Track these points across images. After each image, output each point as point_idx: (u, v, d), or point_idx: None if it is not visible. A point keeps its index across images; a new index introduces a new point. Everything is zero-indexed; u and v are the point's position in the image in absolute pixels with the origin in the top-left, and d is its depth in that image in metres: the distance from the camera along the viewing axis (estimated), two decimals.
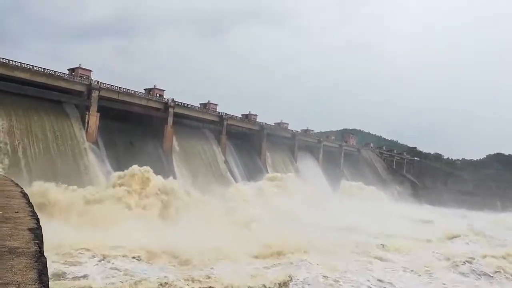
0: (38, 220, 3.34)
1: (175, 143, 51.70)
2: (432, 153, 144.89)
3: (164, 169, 44.61)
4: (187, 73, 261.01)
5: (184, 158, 52.36)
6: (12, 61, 38.47)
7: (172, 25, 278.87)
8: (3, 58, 37.69)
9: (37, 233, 2.76)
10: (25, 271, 2.02)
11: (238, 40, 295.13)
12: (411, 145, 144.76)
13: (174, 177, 46.17)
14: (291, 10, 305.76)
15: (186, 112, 54.74)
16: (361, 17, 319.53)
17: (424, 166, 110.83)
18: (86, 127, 41.83)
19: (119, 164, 40.88)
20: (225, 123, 59.46)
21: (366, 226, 38.50)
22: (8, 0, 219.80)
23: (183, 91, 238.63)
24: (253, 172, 61.22)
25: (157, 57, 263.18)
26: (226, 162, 58.11)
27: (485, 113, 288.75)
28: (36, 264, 2.05)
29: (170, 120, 50.75)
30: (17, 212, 3.52)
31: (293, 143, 74.00)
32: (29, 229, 2.84)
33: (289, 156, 73.33)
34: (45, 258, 2.14)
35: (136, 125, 48.01)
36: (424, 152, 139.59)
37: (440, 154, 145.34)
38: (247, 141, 65.89)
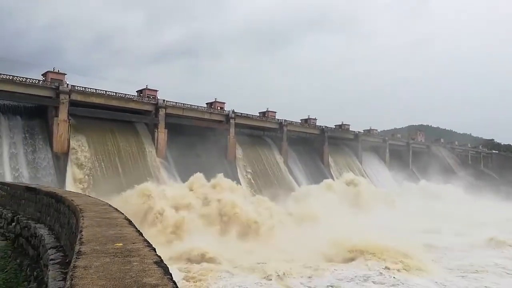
0: (155, 250, 3.61)
1: (238, 152, 52.88)
2: None
3: (229, 178, 45.60)
4: (250, 86, 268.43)
5: (248, 166, 53.29)
6: (88, 88, 42.09)
7: (237, 42, 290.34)
8: (79, 86, 41.41)
9: (164, 267, 2.99)
10: None
11: (299, 50, 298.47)
12: (486, 137, 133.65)
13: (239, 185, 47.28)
14: (350, 16, 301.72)
15: (246, 122, 55.77)
16: (423, 13, 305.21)
17: (504, 159, 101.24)
18: (156, 144, 44.32)
19: (188, 176, 42.49)
20: (284, 129, 59.56)
21: None
22: (91, 38, 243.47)
23: (245, 104, 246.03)
24: (316, 176, 60.35)
25: (222, 73, 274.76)
26: (288, 167, 58.08)
27: None
28: None
29: (232, 130, 52.03)
30: (135, 243, 3.82)
31: (356, 145, 71.82)
32: (155, 263, 3.08)
33: (353, 158, 71.23)
34: None
35: (201, 138, 49.84)
36: (503, 144, 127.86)
37: None
38: (309, 146, 65.24)
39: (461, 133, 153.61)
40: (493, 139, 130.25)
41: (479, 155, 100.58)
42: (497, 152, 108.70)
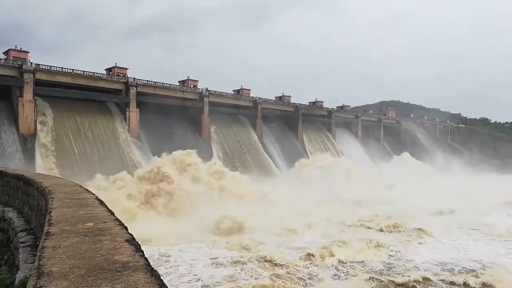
0: (127, 228, 3.60)
1: (212, 130, 52.60)
2: (478, 118, 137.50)
3: (204, 156, 45.47)
4: (229, 63, 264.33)
5: (222, 144, 53.21)
6: (54, 66, 40.34)
7: (215, 17, 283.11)
8: (44, 65, 39.57)
9: (136, 245, 2.99)
10: (150, 287, 2.19)
11: (276, 26, 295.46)
12: (454, 112, 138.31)
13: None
14: None
15: (220, 100, 55.27)
16: None
17: (470, 133, 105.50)
18: (128, 123, 43.37)
19: (161, 155, 41.97)
20: (259, 107, 59.50)
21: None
22: (64, 15, 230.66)
23: (222, 80, 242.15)
24: (291, 152, 61.15)
25: (201, 49, 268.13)
26: (263, 145, 58.42)
27: None
28: (153, 278, 2.23)
29: (206, 109, 51.51)
30: (106, 222, 3.80)
31: (329, 121, 72.83)
32: (127, 241, 3.07)
33: (326, 134, 72.37)
34: (157, 271, 2.32)
35: (174, 116, 49.10)
36: (469, 118, 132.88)
37: (487, 119, 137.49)
38: (283, 123, 65.63)
39: (430, 108, 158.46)
40: (460, 113, 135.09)
41: (446, 129, 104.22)
42: (463, 126, 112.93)
